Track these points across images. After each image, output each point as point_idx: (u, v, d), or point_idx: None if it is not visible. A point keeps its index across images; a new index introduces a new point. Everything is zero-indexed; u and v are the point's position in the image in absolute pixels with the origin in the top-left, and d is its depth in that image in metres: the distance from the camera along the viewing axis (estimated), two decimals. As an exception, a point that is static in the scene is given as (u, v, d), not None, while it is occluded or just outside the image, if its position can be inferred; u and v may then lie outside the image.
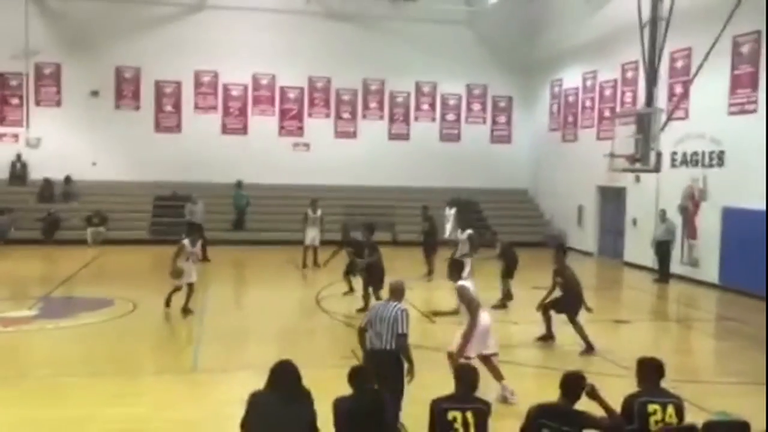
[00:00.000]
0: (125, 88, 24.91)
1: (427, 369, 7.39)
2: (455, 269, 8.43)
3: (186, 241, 12.96)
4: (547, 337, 11.33)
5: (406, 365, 6.81)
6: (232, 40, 24.75)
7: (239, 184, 23.41)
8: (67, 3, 23.98)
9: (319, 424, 5.18)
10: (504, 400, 8.18)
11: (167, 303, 12.90)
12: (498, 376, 8.38)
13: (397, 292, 7.19)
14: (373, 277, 13.03)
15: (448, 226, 19.78)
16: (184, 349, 10.75)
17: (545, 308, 11.26)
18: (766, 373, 8.67)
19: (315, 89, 26.26)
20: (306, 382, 5.30)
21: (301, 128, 26.17)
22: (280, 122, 26.04)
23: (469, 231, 15.67)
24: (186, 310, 12.62)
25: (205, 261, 18.87)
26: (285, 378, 5.20)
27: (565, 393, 5.21)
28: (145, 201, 23.88)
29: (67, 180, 23.77)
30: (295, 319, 13.18)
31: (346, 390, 5.36)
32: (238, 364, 9.82)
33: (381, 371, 6.27)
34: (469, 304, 7.97)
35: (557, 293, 11.17)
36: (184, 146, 24.76)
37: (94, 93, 24.35)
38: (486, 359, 8.28)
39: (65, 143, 23.91)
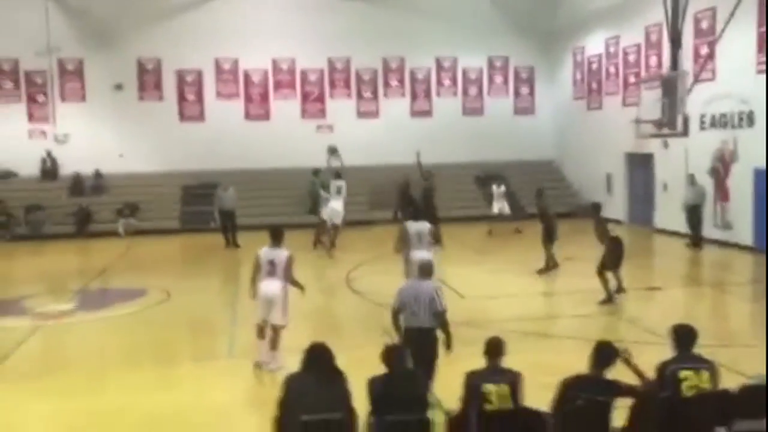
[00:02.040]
0: (148, 80, 25.09)
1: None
2: None
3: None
4: (609, 300, 11.51)
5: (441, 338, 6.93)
6: (250, 25, 24.77)
7: (316, 173, 22.47)
8: (86, -1, 24.19)
9: (355, 403, 5.24)
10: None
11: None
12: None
13: (427, 271, 7.23)
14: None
15: (496, 204, 20.49)
16: (219, 335, 10.89)
17: (599, 272, 11.64)
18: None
19: (335, 70, 26.20)
20: (340, 362, 5.37)
21: (323, 110, 26.16)
22: (302, 105, 26.05)
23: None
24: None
25: (235, 247, 19.11)
26: (319, 359, 5.29)
27: (596, 363, 5.22)
28: (173, 190, 24.14)
29: (97, 174, 24.11)
30: (326, 301, 13.29)
31: (380, 370, 5.41)
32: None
33: (420, 349, 6.43)
34: None
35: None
36: (208, 134, 24.93)
37: (118, 86, 24.57)
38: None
39: (92, 137, 24.20)
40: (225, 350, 10.00)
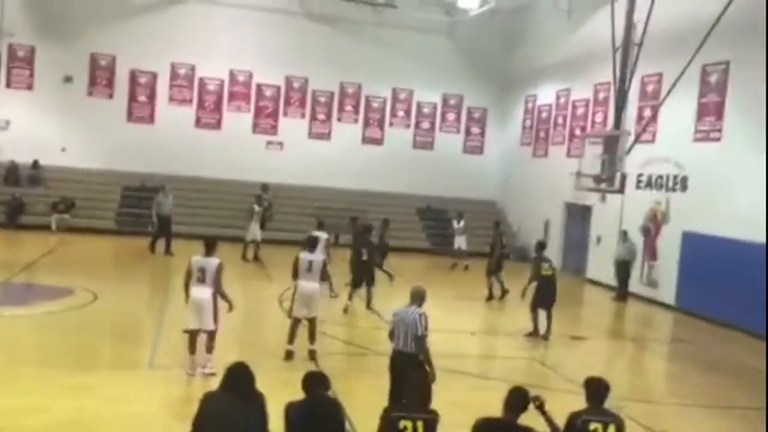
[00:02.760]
0: (99, 76, 24.67)
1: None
2: None
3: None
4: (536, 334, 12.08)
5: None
6: (212, 34, 24.71)
7: (264, 188, 22.23)
8: (45, -15, 23.74)
9: (272, 426, 5.24)
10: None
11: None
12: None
13: (418, 297, 7.44)
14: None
15: (457, 239, 20.93)
16: (141, 344, 10.69)
17: (532, 306, 12.36)
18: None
19: (292, 89, 26.28)
20: (261, 384, 5.37)
21: (275, 127, 26.16)
22: (255, 119, 26.00)
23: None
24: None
25: (168, 254, 18.86)
26: (238, 379, 5.26)
27: (509, 407, 5.34)
28: (112, 190, 23.68)
29: (35, 164, 23.47)
30: (256, 320, 13.18)
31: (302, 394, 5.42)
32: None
33: (401, 374, 6.81)
34: None
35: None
36: (156, 137, 24.62)
37: (68, 78, 24.08)
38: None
39: (35, 127, 23.61)
40: (146, 360, 9.81)
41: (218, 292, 9.07)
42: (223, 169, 24.66)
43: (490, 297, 15.82)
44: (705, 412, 9.51)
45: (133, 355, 10.12)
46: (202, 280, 8.98)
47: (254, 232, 19.19)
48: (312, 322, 10.18)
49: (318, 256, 10.49)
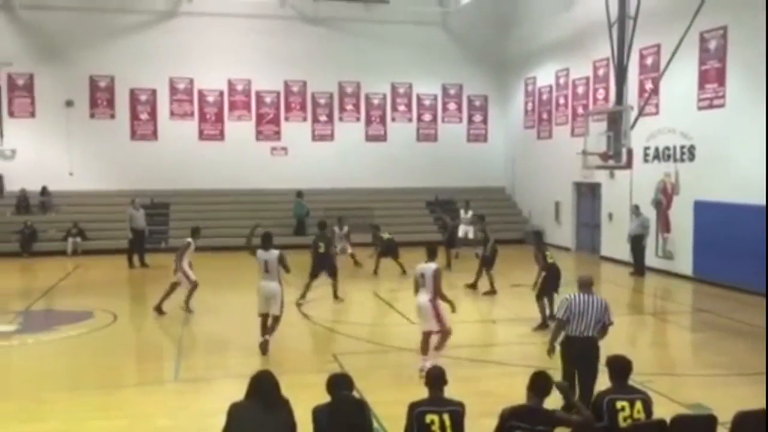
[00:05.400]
0: (100, 97, 24.79)
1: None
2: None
3: (191, 240, 13.61)
4: (544, 326, 11.76)
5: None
6: (206, 46, 24.78)
7: (299, 194, 23.70)
8: (39, 12, 23.83)
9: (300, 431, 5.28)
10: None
11: (159, 309, 13.30)
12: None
13: (589, 284, 7.71)
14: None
15: (463, 228, 20.61)
16: (165, 360, 10.77)
17: (538, 297, 12.07)
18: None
19: (291, 93, 26.31)
20: (286, 389, 5.41)
21: (278, 132, 26.21)
22: (257, 127, 26.06)
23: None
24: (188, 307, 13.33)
25: (143, 267, 19.43)
26: (264, 387, 5.31)
27: (533, 392, 5.36)
28: (122, 210, 23.69)
29: (44, 191, 23.63)
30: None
31: (328, 397, 5.46)
32: (219, 373, 9.89)
33: (584, 356, 7.21)
34: None
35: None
36: (161, 153, 24.74)
37: (69, 103, 24.22)
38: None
39: (41, 154, 23.79)
40: (171, 374, 9.89)
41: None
42: (229, 180, 24.80)
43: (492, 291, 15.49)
44: (733, 379, 9.47)
45: (158, 371, 10.20)
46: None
47: None
48: (275, 319, 10.68)
49: (273, 254, 10.62)
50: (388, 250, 18.01)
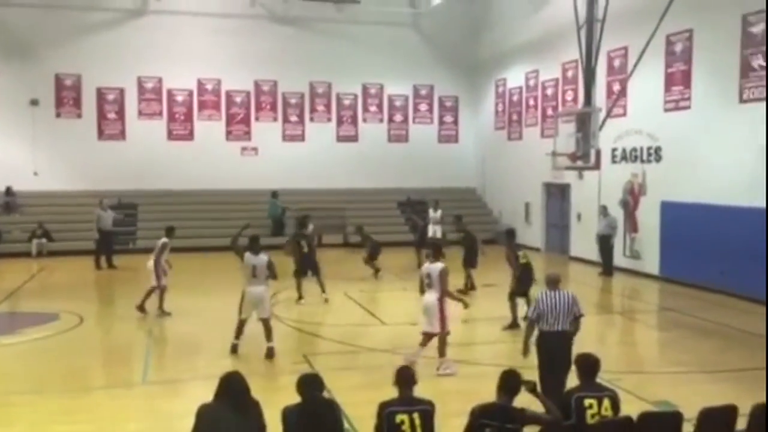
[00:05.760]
0: (66, 96, 24.40)
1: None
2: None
3: (167, 240, 13.51)
4: (514, 326, 11.83)
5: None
6: (176, 45, 24.54)
7: (274, 194, 23.70)
8: (3, 10, 23.36)
9: (270, 432, 5.24)
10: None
11: (142, 308, 13.22)
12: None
13: (556, 281, 7.89)
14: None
15: (431, 228, 20.39)
16: (133, 362, 10.63)
17: (510, 297, 12.12)
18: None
19: (261, 93, 26.16)
20: (256, 390, 5.36)
21: (248, 133, 26.05)
22: (227, 127, 25.87)
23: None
24: (163, 311, 13.21)
25: (111, 268, 19.29)
26: (233, 388, 5.25)
27: (503, 391, 5.39)
28: (89, 211, 23.35)
29: (8, 191, 23.17)
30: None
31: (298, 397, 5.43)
32: (188, 375, 9.78)
33: (557, 349, 7.33)
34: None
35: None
36: (129, 153, 24.43)
37: (34, 102, 23.79)
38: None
39: (5, 153, 23.32)
40: (139, 377, 9.76)
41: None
42: (199, 180, 24.56)
43: (466, 289, 15.57)
44: (700, 377, 9.62)
45: (126, 374, 10.06)
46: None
47: None
48: (265, 322, 10.53)
49: (262, 259, 10.49)
50: (376, 250, 17.88)
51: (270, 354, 10.34)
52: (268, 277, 10.62)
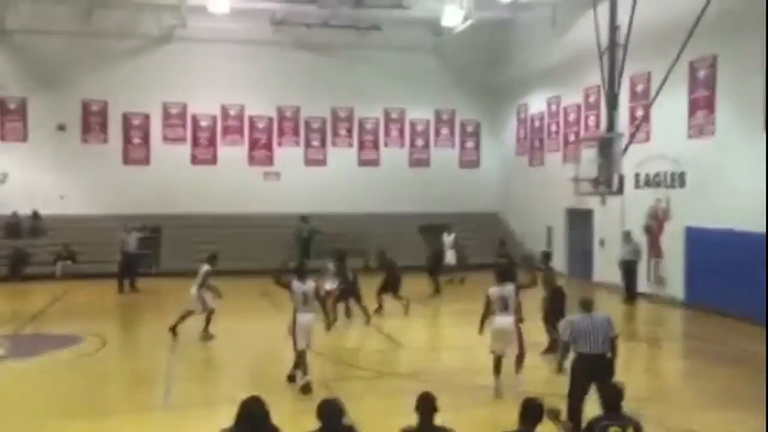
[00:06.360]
0: (92, 122, 24.82)
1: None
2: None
3: (209, 267, 13.61)
4: (549, 350, 11.71)
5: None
6: (200, 71, 24.90)
7: (304, 218, 23.82)
8: (32, 37, 23.89)
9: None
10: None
11: (174, 331, 13.30)
12: None
13: (589, 305, 8.16)
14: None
15: (447, 252, 20.58)
16: (154, 386, 10.66)
17: (545, 319, 11.99)
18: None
19: (284, 118, 26.42)
20: (277, 416, 5.35)
21: (270, 157, 26.27)
22: (250, 152, 26.12)
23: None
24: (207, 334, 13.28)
25: (134, 291, 19.46)
26: (253, 414, 5.25)
27: (525, 419, 5.33)
28: (113, 234, 23.59)
29: (35, 215, 23.52)
30: (267, 351, 13.11)
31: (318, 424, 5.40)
32: (210, 399, 9.80)
33: (598, 370, 7.46)
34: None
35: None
36: (154, 178, 24.74)
37: (61, 127, 24.23)
38: None
39: (32, 178, 23.73)
40: (160, 401, 9.79)
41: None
42: (222, 204, 24.74)
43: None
44: (726, 407, 9.43)
45: (148, 397, 10.09)
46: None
47: None
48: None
49: (310, 285, 10.28)
50: (397, 281, 16.93)
51: (307, 388, 9.72)
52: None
